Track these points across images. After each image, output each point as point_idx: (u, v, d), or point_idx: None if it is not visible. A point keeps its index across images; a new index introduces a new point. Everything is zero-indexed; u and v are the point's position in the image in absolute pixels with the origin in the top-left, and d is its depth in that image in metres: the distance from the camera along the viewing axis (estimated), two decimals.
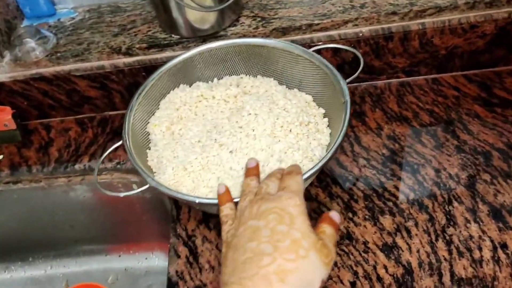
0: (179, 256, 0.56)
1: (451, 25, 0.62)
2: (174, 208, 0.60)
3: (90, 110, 0.73)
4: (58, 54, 0.66)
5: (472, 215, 0.54)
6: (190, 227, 0.58)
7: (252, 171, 0.48)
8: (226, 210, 0.46)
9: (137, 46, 0.65)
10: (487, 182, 0.57)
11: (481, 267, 0.50)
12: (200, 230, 0.57)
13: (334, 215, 0.42)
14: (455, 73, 0.69)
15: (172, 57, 0.59)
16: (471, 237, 0.53)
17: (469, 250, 0.52)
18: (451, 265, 0.51)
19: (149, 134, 0.58)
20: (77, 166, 0.68)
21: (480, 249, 0.52)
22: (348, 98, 0.52)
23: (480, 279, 0.50)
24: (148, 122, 0.58)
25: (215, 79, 0.62)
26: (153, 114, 0.59)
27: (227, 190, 0.48)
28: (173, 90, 0.60)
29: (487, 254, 0.51)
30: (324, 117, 0.57)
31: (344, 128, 0.50)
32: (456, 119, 0.64)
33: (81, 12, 0.72)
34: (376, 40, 0.64)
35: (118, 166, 0.67)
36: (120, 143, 0.56)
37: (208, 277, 0.53)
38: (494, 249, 0.52)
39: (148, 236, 0.78)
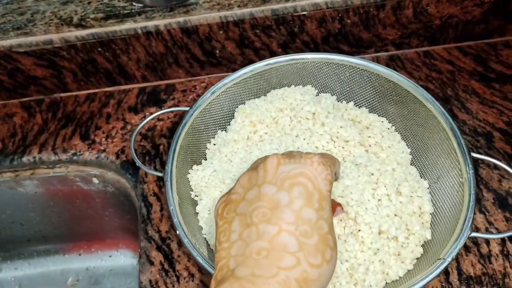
0: (152, 263, 0.48)
1: None
2: (143, 206, 0.52)
3: (37, 92, 0.63)
4: None
5: (477, 204, 0.49)
6: (164, 228, 0.50)
7: None
8: None
9: (92, 16, 0.55)
10: (490, 166, 0.52)
11: (490, 263, 0.46)
12: (176, 232, 0.50)
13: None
14: (447, 45, 0.64)
15: (135, 29, 0.49)
16: (477, 229, 0.48)
17: (476, 244, 0.47)
18: (458, 262, 0.46)
19: None
20: (25, 159, 0.58)
21: (487, 243, 0.47)
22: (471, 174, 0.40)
23: (490, 276, 0.45)
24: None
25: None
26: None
27: None
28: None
29: (495, 248, 0.47)
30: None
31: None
32: (453, 97, 0.58)
33: None
34: (367, 9, 0.57)
35: (75, 157, 0.58)
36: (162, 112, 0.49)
37: (188, 287, 0.46)
38: (503, 242, 0.47)
39: (112, 232, 0.69)
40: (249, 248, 0.28)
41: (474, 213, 0.48)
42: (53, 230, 0.69)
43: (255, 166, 0.33)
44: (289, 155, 0.32)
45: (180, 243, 0.49)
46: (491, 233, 0.47)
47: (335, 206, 0.40)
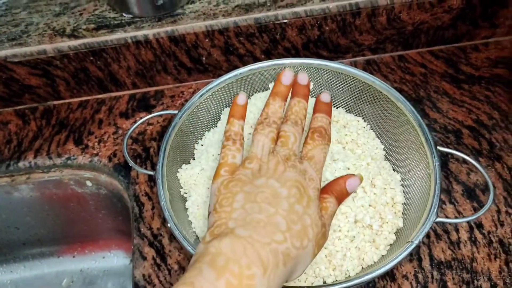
0: (145, 258, 0.51)
1: (419, 0, 0.60)
2: (136, 205, 0.55)
3: (31, 100, 0.66)
4: None
5: (447, 196, 0.53)
6: (155, 226, 0.53)
7: (282, 89, 0.45)
8: (237, 127, 0.43)
9: (84, 27, 0.58)
10: (459, 161, 0.56)
11: (459, 249, 0.50)
12: (166, 228, 0.53)
13: (353, 183, 0.42)
14: (420, 50, 0.68)
15: (125, 39, 0.52)
16: (447, 218, 0.52)
17: (446, 232, 0.51)
18: (429, 249, 0.50)
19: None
20: (21, 164, 0.61)
21: (457, 230, 0.51)
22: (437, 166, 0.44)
23: (459, 261, 0.49)
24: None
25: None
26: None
27: (246, 104, 0.45)
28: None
29: (464, 235, 0.51)
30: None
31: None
32: (425, 97, 0.62)
33: None
34: (343, 17, 0.61)
35: (69, 161, 0.60)
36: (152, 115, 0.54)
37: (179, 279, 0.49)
38: (471, 229, 0.51)
39: (105, 234, 0.72)
40: (250, 216, 0.34)
41: (445, 204, 0.52)
42: (47, 233, 0.71)
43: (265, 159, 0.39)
44: (294, 164, 0.38)
45: (171, 239, 0.52)
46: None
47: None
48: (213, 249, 0.32)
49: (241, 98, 0.45)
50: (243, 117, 0.44)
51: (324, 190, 0.40)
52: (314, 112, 0.44)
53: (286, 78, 0.46)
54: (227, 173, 0.39)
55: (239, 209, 0.35)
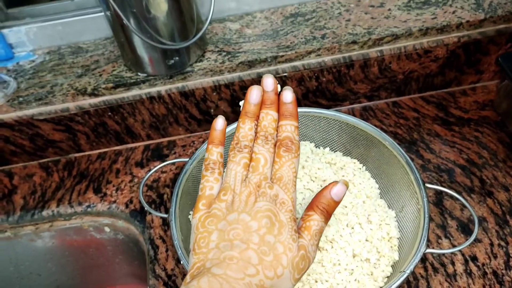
0: None
1: (406, 51, 0.66)
2: (151, 248, 0.59)
3: (54, 153, 0.72)
4: (20, 99, 0.64)
5: (442, 231, 0.56)
6: (169, 267, 0.57)
7: (252, 109, 0.42)
8: (215, 156, 0.42)
9: (103, 86, 0.64)
10: (453, 198, 0.60)
11: (456, 281, 0.52)
12: (180, 269, 0.57)
13: (339, 191, 0.40)
14: (413, 96, 0.73)
15: (140, 95, 0.58)
16: (436, 249, 0.55)
17: (443, 265, 0.54)
18: (427, 282, 0.53)
19: None
20: (44, 213, 0.66)
21: (453, 263, 0.54)
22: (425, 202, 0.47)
23: None
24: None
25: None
26: None
27: (225, 130, 0.43)
28: None
29: (459, 268, 0.53)
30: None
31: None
32: (418, 139, 0.67)
33: (40, 55, 0.71)
34: (338, 68, 0.66)
35: (89, 209, 0.65)
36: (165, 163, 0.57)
37: None
38: (466, 262, 0.54)
39: (122, 279, 0.75)
40: (223, 255, 0.36)
41: (440, 238, 0.56)
42: (67, 279, 0.75)
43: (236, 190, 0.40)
44: (263, 194, 0.40)
45: (184, 278, 0.56)
46: (454, 254, 0.54)
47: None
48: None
49: (219, 123, 0.43)
50: (221, 143, 0.43)
51: (309, 207, 0.40)
52: (279, 119, 0.42)
53: (254, 97, 0.42)
54: (204, 207, 0.40)
55: (214, 248, 0.37)
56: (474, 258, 0.54)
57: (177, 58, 0.63)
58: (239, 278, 0.35)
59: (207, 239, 0.38)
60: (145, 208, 0.53)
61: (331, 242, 0.47)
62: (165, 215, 0.51)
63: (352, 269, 0.46)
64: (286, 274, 0.37)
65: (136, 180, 0.67)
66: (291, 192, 0.40)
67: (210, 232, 0.38)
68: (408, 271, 0.42)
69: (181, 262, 0.46)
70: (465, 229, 0.56)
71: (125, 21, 0.56)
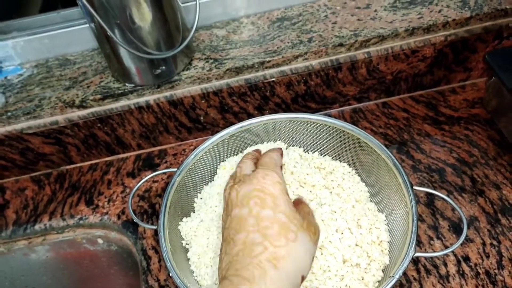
0: None
1: (394, 52, 0.65)
2: (143, 259, 0.59)
3: (45, 166, 0.71)
4: (9, 114, 0.64)
5: (434, 232, 0.56)
6: (162, 277, 0.57)
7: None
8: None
9: (91, 98, 0.64)
10: (444, 198, 0.59)
11: (449, 282, 0.52)
12: (173, 280, 0.56)
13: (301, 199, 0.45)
14: (402, 96, 0.73)
15: (128, 105, 0.58)
16: (424, 252, 0.54)
17: (436, 267, 0.54)
18: (420, 285, 0.52)
19: None
20: (37, 227, 0.66)
21: (445, 264, 0.54)
22: (414, 205, 0.48)
23: None
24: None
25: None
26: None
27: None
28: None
29: (452, 269, 0.53)
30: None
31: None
32: (409, 140, 0.66)
33: (28, 68, 0.71)
34: (326, 72, 0.66)
35: (81, 221, 0.65)
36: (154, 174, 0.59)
37: None
38: (458, 263, 0.54)
39: None
40: (230, 255, 0.37)
41: (432, 240, 0.55)
42: None
43: (227, 200, 0.43)
44: (242, 181, 0.41)
45: None
46: (446, 255, 0.54)
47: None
48: None
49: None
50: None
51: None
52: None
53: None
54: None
55: (226, 258, 0.38)
56: (467, 259, 0.54)
57: (164, 67, 0.63)
58: (246, 265, 0.35)
59: (223, 255, 0.39)
60: (134, 220, 0.53)
61: (320, 248, 0.47)
62: (154, 227, 0.51)
63: (343, 275, 0.46)
64: (301, 237, 0.37)
65: (127, 190, 0.67)
66: (276, 171, 0.42)
67: (222, 251, 0.40)
68: (397, 276, 0.42)
69: (170, 275, 0.46)
70: (457, 229, 0.56)
71: (109, 32, 0.56)
